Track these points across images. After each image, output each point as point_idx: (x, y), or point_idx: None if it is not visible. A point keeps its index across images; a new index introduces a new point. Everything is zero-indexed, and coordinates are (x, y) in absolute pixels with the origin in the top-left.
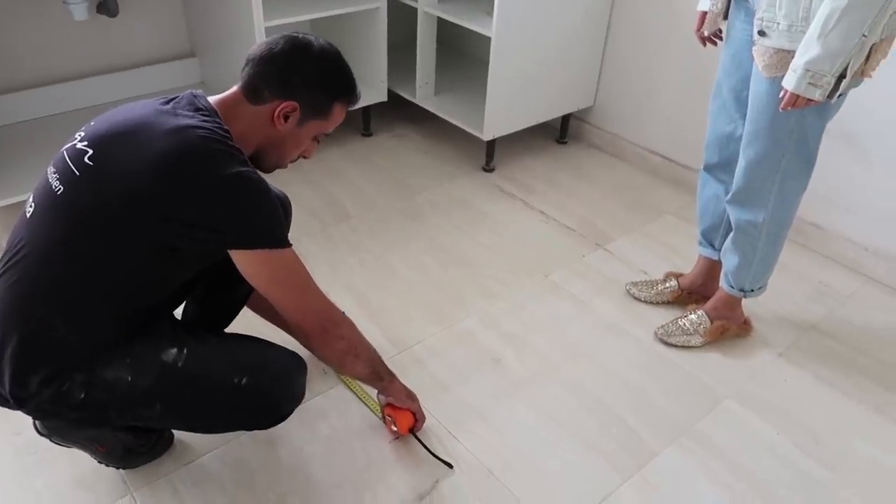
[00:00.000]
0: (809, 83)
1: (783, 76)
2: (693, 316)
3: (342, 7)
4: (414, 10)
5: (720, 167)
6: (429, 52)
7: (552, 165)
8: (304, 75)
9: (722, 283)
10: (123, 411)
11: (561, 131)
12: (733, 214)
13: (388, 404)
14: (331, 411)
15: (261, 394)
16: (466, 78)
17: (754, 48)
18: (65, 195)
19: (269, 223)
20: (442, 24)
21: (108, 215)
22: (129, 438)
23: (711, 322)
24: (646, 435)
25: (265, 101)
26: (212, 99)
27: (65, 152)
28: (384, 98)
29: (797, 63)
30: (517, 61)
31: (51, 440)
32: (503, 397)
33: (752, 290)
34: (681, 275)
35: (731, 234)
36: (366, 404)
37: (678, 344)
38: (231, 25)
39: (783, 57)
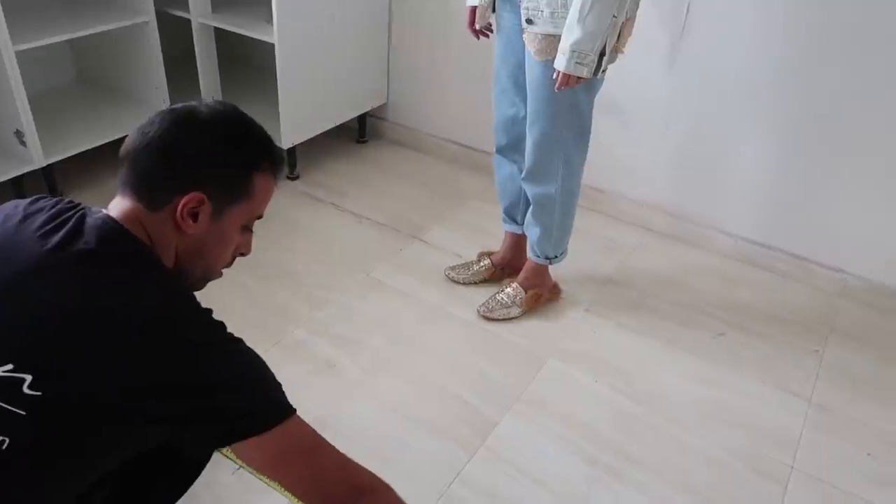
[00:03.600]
0: (577, 63)
1: (553, 59)
2: (508, 289)
3: (105, 24)
4: (188, 22)
5: (510, 148)
6: (210, 65)
7: (356, 166)
8: (200, 154)
9: (529, 254)
10: None
11: (359, 131)
12: (529, 190)
13: None
14: None
15: None
16: (255, 87)
17: (524, 35)
18: (10, 448)
19: (272, 389)
20: (223, 33)
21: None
22: None
23: (526, 292)
24: (484, 408)
25: (161, 203)
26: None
27: None
28: None
29: (564, 46)
30: (304, 66)
31: None
32: (344, 401)
33: (556, 256)
34: (492, 253)
35: (531, 209)
36: None
37: (500, 317)
38: None
39: (551, 41)
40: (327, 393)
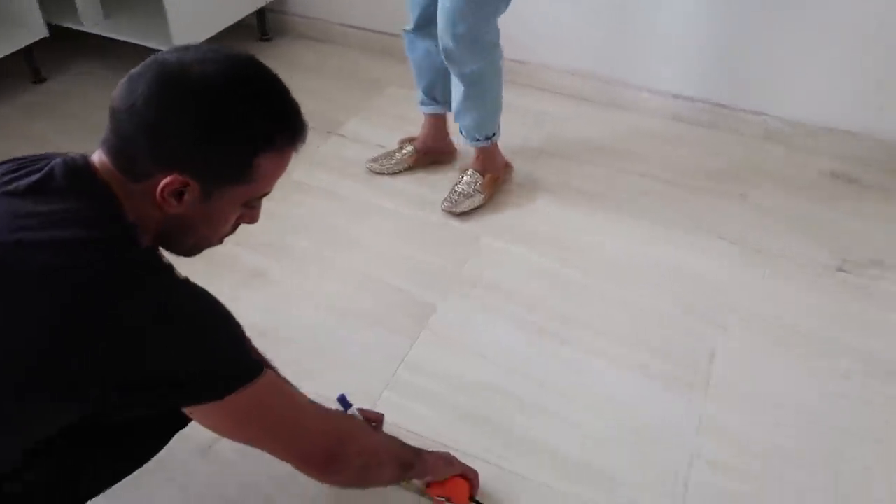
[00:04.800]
0: None
1: None
2: (466, 178)
3: None
4: None
5: (424, 24)
6: None
7: None
8: (189, 132)
9: (470, 142)
10: None
11: (260, 28)
12: (456, 71)
13: (430, 484)
14: None
15: None
16: None
17: None
18: None
19: (233, 351)
20: None
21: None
22: None
23: (483, 177)
24: (422, 294)
25: (139, 177)
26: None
27: None
28: (44, 34)
29: None
30: None
31: None
32: (279, 307)
33: (496, 133)
34: (413, 138)
35: (463, 92)
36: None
37: (467, 209)
38: None
39: None
40: (261, 301)
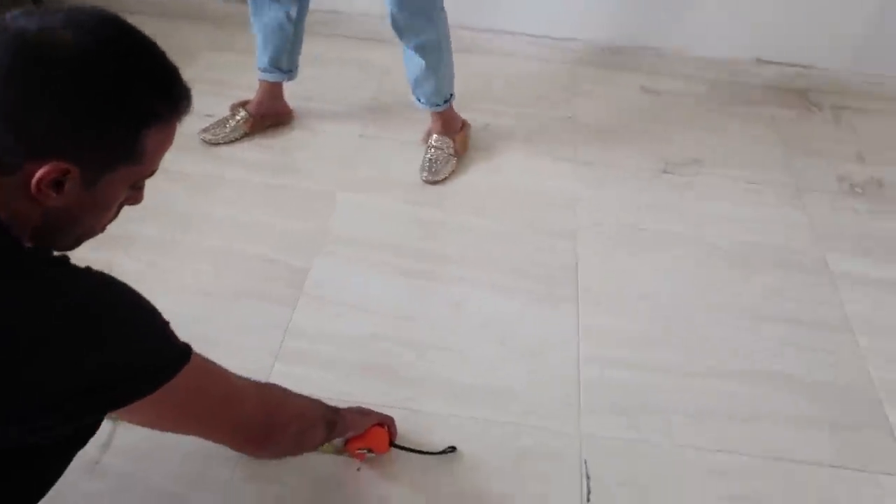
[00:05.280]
0: None
1: None
2: (435, 144)
3: None
4: None
5: None
6: None
7: None
8: (61, 114)
9: (431, 108)
10: None
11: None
12: (413, 43)
13: (349, 440)
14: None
15: None
16: None
17: None
18: None
19: (162, 337)
20: None
21: None
22: None
23: (453, 140)
24: (291, 260)
25: (8, 170)
26: None
27: None
28: None
29: None
30: None
31: None
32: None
33: (452, 94)
34: (245, 102)
35: (421, 64)
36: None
37: (448, 174)
38: None
39: None
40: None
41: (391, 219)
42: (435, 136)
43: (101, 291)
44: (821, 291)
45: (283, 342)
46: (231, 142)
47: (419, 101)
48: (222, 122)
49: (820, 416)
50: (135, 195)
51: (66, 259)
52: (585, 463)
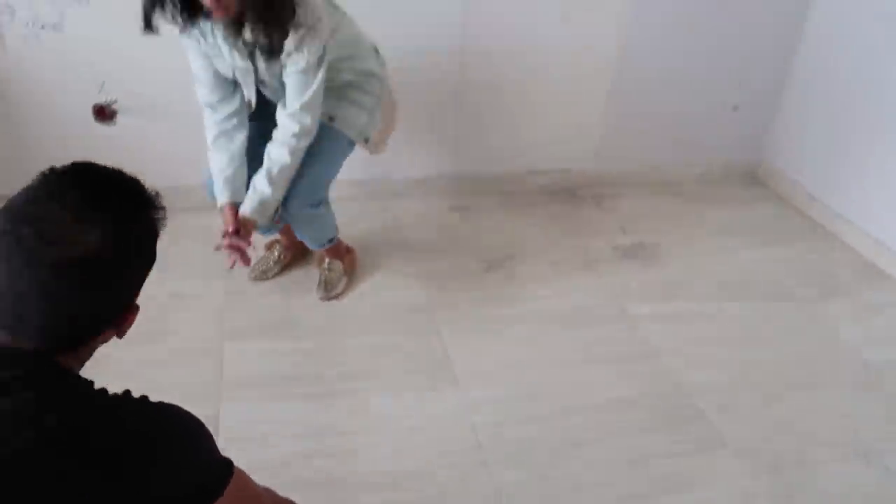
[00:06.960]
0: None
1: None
2: (327, 267)
3: None
4: None
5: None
6: None
7: None
8: (106, 294)
9: (318, 248)
10: None
11: None
12: (300, 210)
13: None
14: None
15: None
16: None
17: None
18: None
19: (213, 451)
20: None
21: None
22: None
23: (342, 262)
24: (198, 411)
25: (78, 343)
26: None
27: None
28: None
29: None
30: None
31: None
32: None
33: (335, 236)
34: (277, 239)
35: (307, 228)
36: None
37: (342, 291)
38: None
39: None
40: None
41: (277, 356)
42: (328, 260)
43: (164, 416)
44: (627, 333)
45: None
46: (279, 275)
47: (305, 242)
48: (265, 260)
49: (650, 418)
50: None
51: (129, 393)
52: None
